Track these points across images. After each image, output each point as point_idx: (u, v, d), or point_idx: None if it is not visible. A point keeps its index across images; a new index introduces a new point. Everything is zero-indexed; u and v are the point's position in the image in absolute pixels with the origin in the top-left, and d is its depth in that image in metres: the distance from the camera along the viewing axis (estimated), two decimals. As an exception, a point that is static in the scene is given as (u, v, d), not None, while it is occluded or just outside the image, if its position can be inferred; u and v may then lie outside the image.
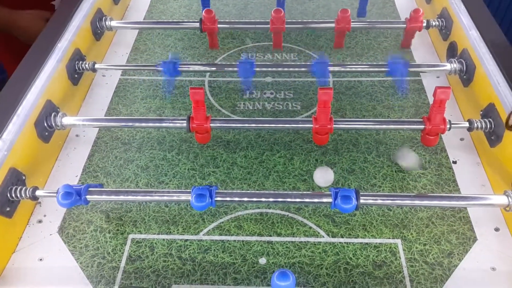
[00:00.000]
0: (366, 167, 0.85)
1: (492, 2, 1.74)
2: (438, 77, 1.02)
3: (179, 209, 0.78)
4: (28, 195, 0.71)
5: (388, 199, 0.70)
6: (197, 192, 0.68)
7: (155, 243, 0.74)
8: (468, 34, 0.92)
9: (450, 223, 0.75)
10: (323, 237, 0.74)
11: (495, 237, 0.73)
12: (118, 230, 0.76)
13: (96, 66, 0.95)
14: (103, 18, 1.06)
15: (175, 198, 0.71)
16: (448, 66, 0.92)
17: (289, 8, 1.25)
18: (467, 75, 0.90)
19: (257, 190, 0.81)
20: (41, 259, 0.71)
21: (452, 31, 0.99)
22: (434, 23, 1.03)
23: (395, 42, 1.13)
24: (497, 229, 0.74)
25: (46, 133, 0.81)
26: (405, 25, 1.03)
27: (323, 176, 0.81)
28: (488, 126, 0.79)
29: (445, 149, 0.87)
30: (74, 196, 0.69)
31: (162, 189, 0.81)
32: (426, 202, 0.70)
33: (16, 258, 0.71)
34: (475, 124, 0.80)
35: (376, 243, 0.73)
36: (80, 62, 0.94)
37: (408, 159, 0.83)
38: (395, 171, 0.84)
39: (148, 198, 0.73)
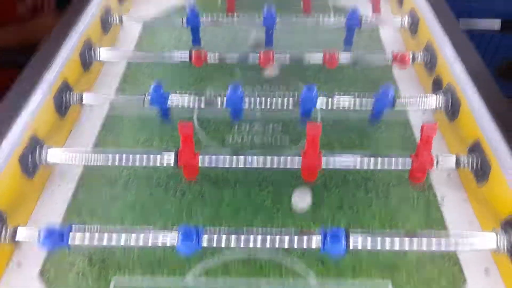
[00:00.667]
0: (355, 203, 0.84)
1: (475, 36, 1.77)
2: (424, 112, 1.02)
3: (165, 251, 0.76)
4: (8, 237, 0.68)
5: (378, 239, 0.69)
6: (183, 230, 0.67)
7: (139, 287, 0.72)
8: (453, 68, 0.93)
9: (440, 265, 0.75)
10: (313, 279, 0.73)
11: (485, 279, 0.73)
12: (101, 273, 0.73)
13: (84, 97, 0.94)
14: (92, 48, 1.05)
15: (161, 238, 0.69)
16: (433, 101, 0.93)
17: (277, 39, 1.25)
18: (452, 110, 0.91)
19: (245, 228, 0.80)
20: (21, 306, 0.69)
21: (437, 66, 1.00)
22: (419, 57, 1.04)
23: (382, 74, 1.14)
24: (486, 271, 0.74)
25: (31, 168, 0.80)
26: (391, 59, 1.04)
27: (300, 201, 0.83)
28: (475, 163, 0.80)
29: (432, 186, 0.87)
30: (56, 237, 0.67)
31: (148, 227, 0.79)
32: (415, 241, 0.69)
33: (-6, 303, 0.69)
34: (462, 161, 0.80)
35: (367, 285, 0.72)
36: (68, 93, 0.93)
37: (304, 200, 0.83)
38: (384, 208, 0.84)
39: (133, 238, 0.71)
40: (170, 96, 0.94)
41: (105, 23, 1.17)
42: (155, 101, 0.93)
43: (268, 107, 1.03)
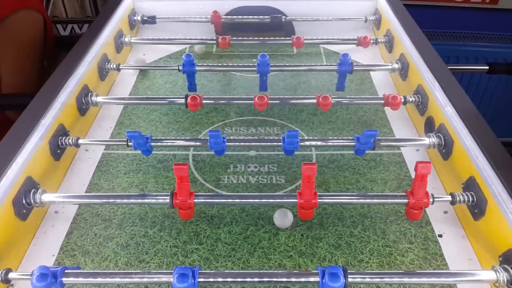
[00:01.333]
0: (353, 241, 0.83)
1: (464, 77, 1.84)
2: (417, 150, 1.04)
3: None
4: (1, 279, 0.67)
5: (376, 277, 0.68)
6: (179, 272, 0.65)
7: (134, 329, 0.69)
8: (444, 110, 0.95)
9: (441, 301, 0.73)
10: (311, 318, 0.71)
11: (487, 315, 0.71)
12: (94, 316, 0.71)
13: (80, 141, 0.95)
14: (89, 94, 1.07)
15: (155, 279, 0.68)
16: (426, 141, 0.95)
17: (271, 84, 1.29)
18: (446, 149, 0.92)
19: (242, 267, 0.78)
20: None
21: (429, 107, 1.03)
22: (410, 99, 1.07)
23: (374, 116, 1.17)
24: (488, 306, 0.72)
25: (24, 211, 0.79)
26: (383, 101, 1.07)
27: (282, 221, 0.85)
28: (471, 200, 0.80)
29: (430, 222, 0.87)
30: (49, 278, 0.65)
31: (143, 268, 0.78)
32: (415, 279, 0.69)
33: None
34: (458, 198, 0.81)
35: (367, 324, 0.70)
36: (64, 137, 0.94)
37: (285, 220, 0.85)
38: (382, 246, 0.83)
39: (127, 280, 0.69)
40: (165, 140, 0.95)
41: (102, 70, 1.20)
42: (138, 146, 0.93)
43: (263, 148, 1.05)
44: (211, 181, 0.97)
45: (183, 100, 1.07)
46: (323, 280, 0.66)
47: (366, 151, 1.01)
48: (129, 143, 0.94)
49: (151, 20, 1.50)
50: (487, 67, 1.37)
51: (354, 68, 1.18)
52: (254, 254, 0.81)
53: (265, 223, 0.87)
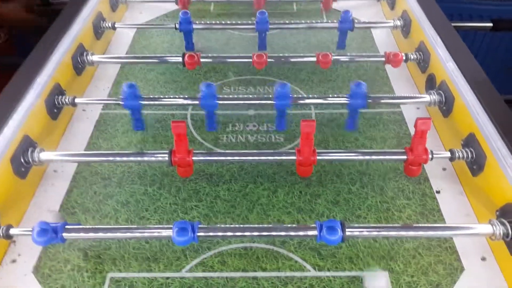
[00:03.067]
0: (351, 198, 0.84)
1: (468, 35, 1.81)
2: (418, 108, 1.03)
3: (161, 245, 0.76)
4: (1, 234, 0.67)
5: (374, 231, 0.69)
6: (179, 226, 0.66)
7: (135, 282, 0.71)
8: (446, 66, 0.94)
9: (437, 254, 0.74)
10: (310, 271, 0.72)
11: (482, 267, 0.72)
12: (96, 268, 0.72)
13: (76, 100, 0.94)
14: (85, 53, 1.05)
15: (156, 234, 0.69)
16: (427, 98, 0.94)
17: (270, 43, 1.27)
18: (446, 106, 0.91)
19: (241, 223, 0.79)
20: (14, 302, 0.68)
21: (430, 64, 1.02)
22: (412, 57, 1.05)
23: (375, 75, 1.15)
24: (483, 259, 0.73)
25: (23, 169, 0.79)
26: (384, 59, 1.05)
27: None
28: (470, 156, 0.80)
29: (428, 179, 0.87)
30: (50, 233, 0.66)
31: (143, 224, 0.79)
32: (412, 233, 0.69)
33: (-14, 301, 0.68)
34: (457, 154, 0.81)
35: (363, 275, 0.72)
36: (60, 96, 0.93)
37: None
38: (380, 202, 0.83)
39: (128, 235, 0.70)
40: (164, 98, 0.94)
41: (98, 29, 1.17)
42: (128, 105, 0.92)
43: (262, 107, 1.04)
44: (209, 140, 0.97)
45: (180, 59, 1.05)
46: (321, 234, 0.67)
47: (365, 110, 1.00)
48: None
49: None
50: (491, 24, 1.34)
51: (355, 26, 1.16)
52: (253, 211, 0.82)
53: (264, 180, 0.87)
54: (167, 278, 0.71)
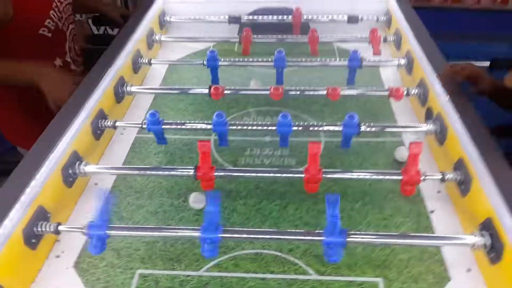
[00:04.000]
0: (353, 215, 0.94)
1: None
2: (418, 138, 1.14)
3: (183, 248, 0.87)
4: (52, 229, 0.81)
5: (373, 237, 0.79)
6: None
7: (160, 278, 0.82)
8: (441, 100, 1.05)
9: (427, 265, 0.83)
10: (312, 275, 0.82)
11: (467, 277, 0.81)
12: (127, 266, 0.84)
13: (117, 123, 1.09)
14: (124, 84, 1.22)
15: (185, 233, 0.81)
16: (425, 127, 1.05)
17: (288, 79, 1.40)
18: (441, 135, 1.02)
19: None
20: (57, 290, 0.80)
21: (429, 98, 1.13)
22: (413, 91, 1.17)
23: (381, 108, 1.27)
24: (469, 270, 0.82)
25: (70, 179, 0.93)
26: (387, 92, 1.17)
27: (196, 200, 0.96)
28: (459, 178, 0.90)
29: (423, 200, 0.97)
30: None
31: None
32: (405, 241, 0.79)
33: (34, 288, 0.80)
34: (447, 176, 0.91)
35: (360, 281, 0.81)
36: (103, 120, 1.08)
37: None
38: (379, 219, 0.93)
39: (157, 234, 0.82)
40: (184, 123, 1.08)
41: (136, 64, 1.34)
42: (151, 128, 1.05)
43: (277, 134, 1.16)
44: (229, 162, 1.10)
45: (207, 90, 1.20)
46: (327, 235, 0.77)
47: (370, 139, 1.12)
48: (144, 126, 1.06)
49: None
50: (489, 62, 1.44)
51: (363, 64, 1.29)
52: (266, 223, 0.93)
53: (276, 197, 0.99)
54: (187, 276, 0.82)
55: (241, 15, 1.62)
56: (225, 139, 1.06)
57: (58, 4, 1.37)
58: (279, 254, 0.86)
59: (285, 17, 1.60)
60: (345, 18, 1.59)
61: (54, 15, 1.33)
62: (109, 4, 1.88)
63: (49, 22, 1.30)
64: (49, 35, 1.32)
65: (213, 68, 1.32)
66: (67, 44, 1.44)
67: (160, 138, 1.07)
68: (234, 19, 1.63)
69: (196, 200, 0.96)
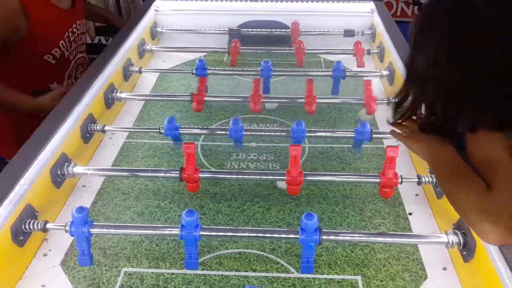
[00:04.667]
0: (333, 216, 0.97)
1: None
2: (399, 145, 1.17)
3: (168, 247, 0.89)
4: (40, 227, 0.83)
5: (347, 235, 0.82)
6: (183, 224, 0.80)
7: (145, 275, 0.84)
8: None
9: (405, 264, 0.86)
10: (293, 273, 0.85)
11: (443, 275, 0.84)
12: (113, 264, 0.86)
13: (106, 128, 1.11)
14: (114, 90, 1.25)
15: (166, 232, 0.83)
16: (404, 134, 1.08)
17: (274, 88, 1.45)
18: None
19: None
20: (43, 286, 0.81)
21: (408, 107, 1.17)
22: (393, 100, 1.21)
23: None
24: (445, 268, 0.85)
25: (59, 179, 0.95)
26: (363, 101, 1.21)
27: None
28: (434, 181, 0.93)
29: (402, 203, 1.00)
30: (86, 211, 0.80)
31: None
32: (381, 239, 0.82)
33: (21, 285, 0.82)
34: (423, 179, 0.94)
35: (339, 278, 0.84)
36: (92, 124, 1.11)
37: None
38: (359, 220, 0.96)
39: (141, 232, 0.84)
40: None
41: (127, 72, 1.37)
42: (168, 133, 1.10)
43: (262, 140, 1.20)
44: (216, 166, 1.12)
45: (190, 98, 1.23)
46: (302, 237, 0.79)
47: (351, 145, 1.15)
48: (161, 130, 1.10)
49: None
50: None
51: (347, 74, 1.33)
52: (249, 223, 0.96)
53: (259, 200, 1.02)
54: (172, 274, 0.84)
55: (239, 28, 1.67)
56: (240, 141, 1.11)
57: (70, 34, 1.34)
58: (261, 253, 0.89)
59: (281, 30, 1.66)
60: (335, 32, 1.65)
61: (63, 45, 1.31)
62: (116, 14, 1.90)
63: (56, 51, 1.30)
64: (53, 62, 1.30)
65: (202, 77, 1.36)
66: (69, 71, 1.41)
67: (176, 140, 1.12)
68: (234, 31, 1.68)
69: None
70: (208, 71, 1.36)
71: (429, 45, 0.64)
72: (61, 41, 1.33)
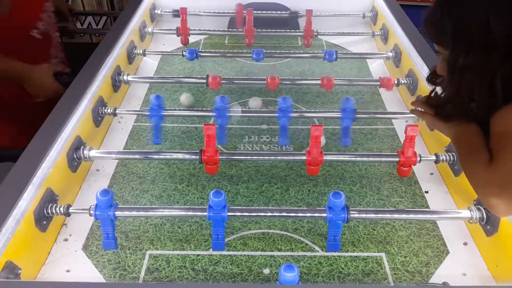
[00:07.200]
0: (352, 196, 0.98)
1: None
2: (406, 121, 1.18)
3: (191, 229, 0.89)
4: (63, 212, 0.81)
5: (371, 213, 0.83)
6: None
7: (171, 258, 0.83)
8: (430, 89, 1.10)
9: (426, 240, 0.88)
10: (318, 251, 0.85)
11: (464, 250, 0.86)
12: (137, 247, 0.85)
13: (117, 111, 1.09)
14: (122, 73, 1.22)
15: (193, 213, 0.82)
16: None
17: (280, 71, 1.44)
18: (432, 120, 1.07)
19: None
20: (68, 271, 0.80)
21: (418, 87, 1.18)
22: (403, 81, 1.22)
23: (371, 98, 1.32)
24: (465, 243, 0.87)
25: (75, 163, 0.93)
26: (379, 83, 1.22)
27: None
28: (451, 159, 0.95)
29: (418, 182, 1.02)
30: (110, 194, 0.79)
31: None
32: (403, 216, 0.83)
33: (45, 270, 0.80)
34: (441, 157, 0.96)
35: (364, 256, 0.85)
36: (103, 107, 1.08)
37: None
38: (377, 199, 0.97)
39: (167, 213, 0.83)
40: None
41: (131, 55, 1.35)
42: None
43: (274, 122, 1.20)
44: (229, 149, 1.12)
45: (204, 80, 1.22)
46: (330, 215, 0.80)
47: (363, 126, 1.16)
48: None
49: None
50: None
51: (352, 57, 1.34)
52: (269, 205, 0.96)
53: (277, 181, 1.02)
54: (198, 255, 0.84)
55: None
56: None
57: (47, 8, 1.32)
58: (285, 233, 0.89)
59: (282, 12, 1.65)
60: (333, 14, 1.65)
61: (44, 18, 1.29)
62: None
63: (42, 25, 1.26)
64: (40, 37, 1.27)
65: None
66: (52, 49, 1.38)
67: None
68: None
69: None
70: (210, 54, 1.35)
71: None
72: (42, 14, 1.28)
